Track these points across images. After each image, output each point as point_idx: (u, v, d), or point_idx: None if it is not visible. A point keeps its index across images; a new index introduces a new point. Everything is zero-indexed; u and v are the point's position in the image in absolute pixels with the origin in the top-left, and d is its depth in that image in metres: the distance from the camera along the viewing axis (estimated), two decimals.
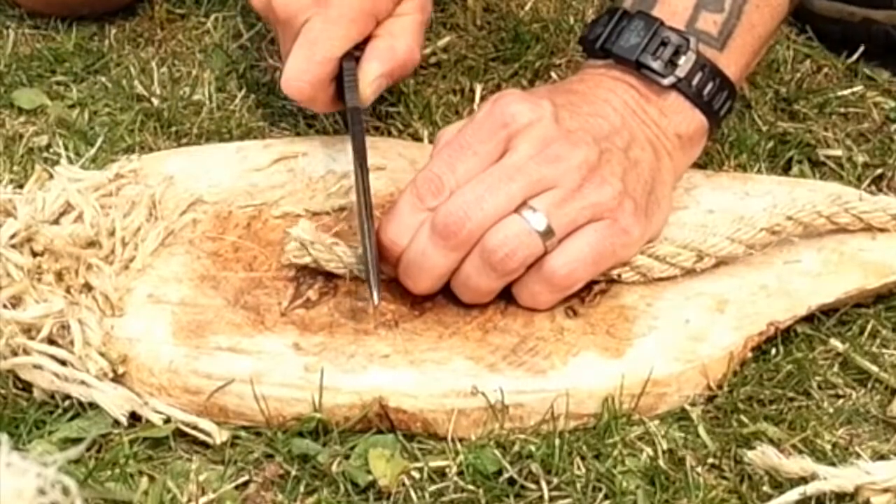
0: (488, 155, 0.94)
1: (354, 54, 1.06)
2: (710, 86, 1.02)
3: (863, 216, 1.01)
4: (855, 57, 1.22)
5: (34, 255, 0.96)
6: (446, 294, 0.96)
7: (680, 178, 1.04)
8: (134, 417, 0.91)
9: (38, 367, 0.92)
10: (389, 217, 0.95)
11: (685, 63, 1.00)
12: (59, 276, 0.96)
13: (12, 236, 0.96)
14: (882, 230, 1.02)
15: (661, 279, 0.98)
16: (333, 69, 1.05)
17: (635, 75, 1.01)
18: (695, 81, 1.01)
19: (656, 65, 1.00)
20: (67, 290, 0.95)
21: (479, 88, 1.19)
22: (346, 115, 1.06)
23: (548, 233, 0.93)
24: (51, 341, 0.93)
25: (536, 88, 1.02)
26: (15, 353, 0.92)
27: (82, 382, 0.91)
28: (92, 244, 0.97)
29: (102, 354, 0.92)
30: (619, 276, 0.98)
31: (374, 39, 1.06)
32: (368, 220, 0.94)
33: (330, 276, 0.97)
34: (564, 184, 0.94)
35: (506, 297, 0.96)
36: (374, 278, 0.93)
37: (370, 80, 1.05)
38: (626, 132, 0.99)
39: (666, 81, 1.00)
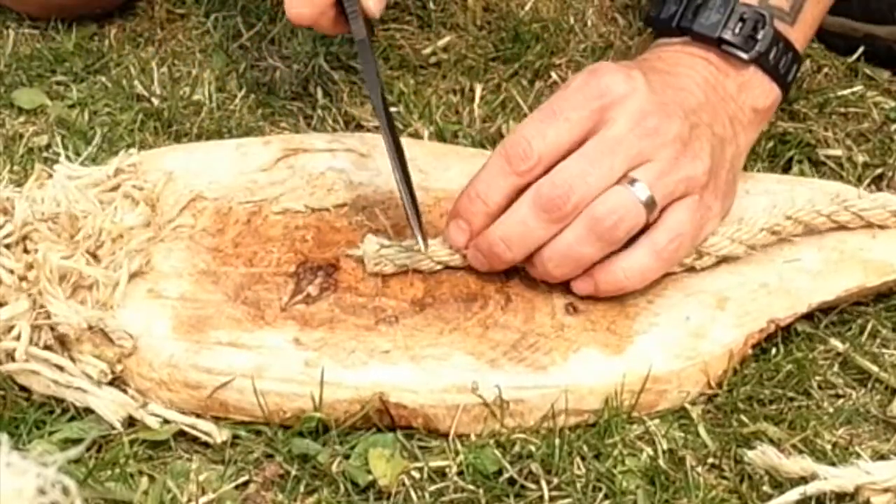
0: (580, 122, 0.94)
1: None
2: (784, 59, 1.03)
3: (862, 213, 1.01)
4: (855, 57, 1.22)
5: (27, 252, 0.96)
6: (447, 290, 0.96)
7: (748, 152, 1.05)
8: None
9: (35, 372, 0.92)
10: (477, 176, 0.95)
11: (764, 38, 1.02)
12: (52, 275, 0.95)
13: (6, 234, 0.96)
14: (882, 227, 1.02)
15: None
16: None
17: (715, 52, 1.02)
18: (772, 55, 1.02)
19: (737, 40, 1.01)
20: (64, 289, 0.95)
21: (479, 88, 1.19)
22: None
23: (651, 204, 0.94)
24: (46, 347, 0.93)
25: (623, 62, 1.02)
26: (11, 358, 0.92)
27: (78, 388, 0.91)
28: (88, 239, 0.97)
29: (98, 356, 0.92)
30: None
31: None
32: (401, 160, 0.96)
33: (330, 272, 0.98)
34: (662, 157, 0.94)
35: (507, 292, 0.96)
36: (415, 221, 0.94)
37: None
38: (710, 108, 1.00)
39: (747, 56, 1.02)
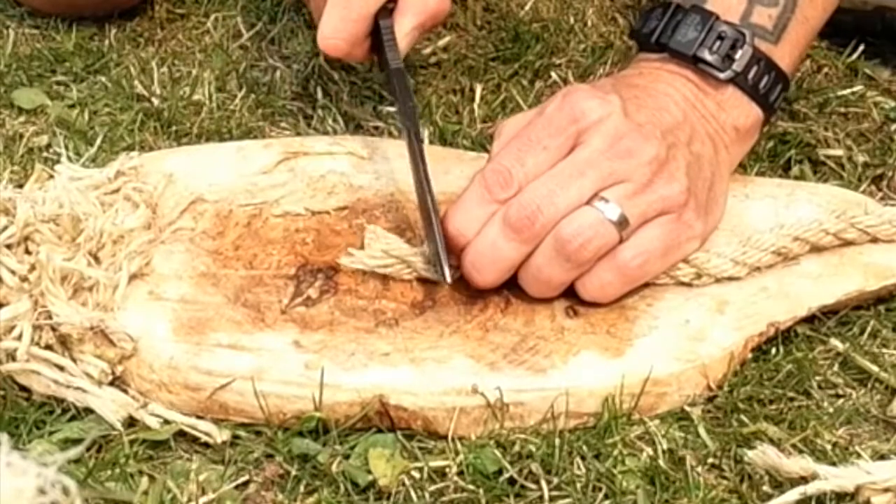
0: (558, 149, 0.94)
1: (388, 6, 1.06)
2: (765, 79, 1.02)
3: (869, 230, 1.01)
4: (855, 56, 1.22)
5: (28, 253, 0.96)
6: (447, 292, 0.96)
7: (734, 169, 1.05)
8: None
9: (36, 372, 0.92)
10: (456, 207, 0.95)
11: (742, 57, 1.01)
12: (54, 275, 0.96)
13: (9, 236, 0.96)
14: (889, 242, 1.02)
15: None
16: (369, 25, 1.05)
17: (692, 69, 1.02)
18: (751, 75, 1.02)
19: (713, 59, 1.01)
20: (65, 290, 0.95)
21: (479, 88, 1.19)
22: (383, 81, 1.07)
23: (622, 223, 0.93)
24: (47, 346, 0.93)
25: (600, 82, 1.03)
26: (12, 358, 0.92)
27: (79, 388, 0.91)
28: (89, 241, 0.97)
29: (99, 356, 0.92)
30: None
31: None
32: (430, 194, 0.95)
33: (330, 274, 0.98)
34: (635, 178, 0.94)
35: (507, 295, 0.96)
36: (444, 253, 0.93)
37: (403, 34, 1.05)
38: (688, 126, 0.99)
39: (723, 76, 1.01)
